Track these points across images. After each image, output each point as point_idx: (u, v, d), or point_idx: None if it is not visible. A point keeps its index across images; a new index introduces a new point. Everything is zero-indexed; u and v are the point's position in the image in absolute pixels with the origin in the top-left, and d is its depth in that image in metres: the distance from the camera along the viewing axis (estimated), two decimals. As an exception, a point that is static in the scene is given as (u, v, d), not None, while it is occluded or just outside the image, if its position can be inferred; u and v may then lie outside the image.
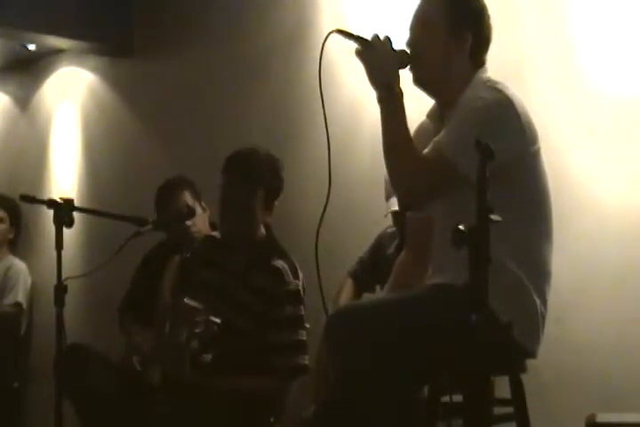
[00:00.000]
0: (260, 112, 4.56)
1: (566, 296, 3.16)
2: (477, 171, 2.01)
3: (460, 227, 1.97)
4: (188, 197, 3.75)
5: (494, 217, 1.98)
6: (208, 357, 3.00)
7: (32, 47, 5.68)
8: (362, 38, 2.55)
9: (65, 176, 5.84)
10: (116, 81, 5.55)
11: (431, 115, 2.67)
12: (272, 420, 3.20)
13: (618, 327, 3.18)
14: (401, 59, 2.54)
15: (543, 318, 2.50)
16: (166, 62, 5.20)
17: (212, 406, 3.00)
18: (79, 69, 5.79)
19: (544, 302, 2.50)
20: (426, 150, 2.44)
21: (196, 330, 2.96)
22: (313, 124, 4.29)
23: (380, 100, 2.50)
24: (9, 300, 5.57)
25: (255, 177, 3.17)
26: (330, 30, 2.55)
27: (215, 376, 3.05)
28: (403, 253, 2.81)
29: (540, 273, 2.51)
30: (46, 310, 4.32)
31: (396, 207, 3.38)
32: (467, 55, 2.57)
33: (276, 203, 3.27)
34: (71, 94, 5.84)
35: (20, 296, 5.60)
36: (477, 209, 1.98)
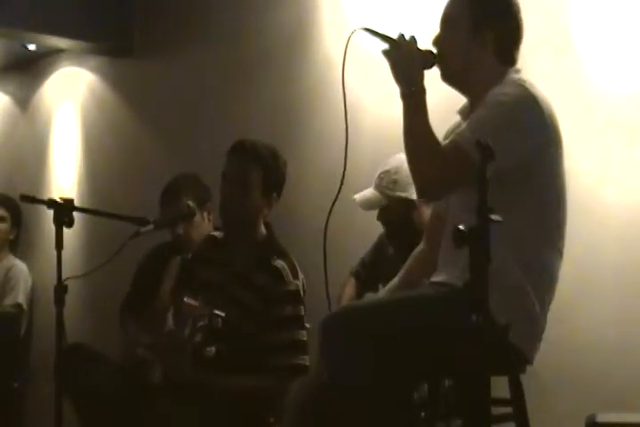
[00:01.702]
0: (260, 112, 4.56)
1: (566, 296, 3.15)
2: (477, 170, 2.00)
3: (460, 227, 1.97)
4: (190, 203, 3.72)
5: (494, 217, 1.98)
6: (212, 350, 3.00)
7: (32, 47, 5.68)
8: (388, 37, 2.59)
9: (65, 176, 5.84)
10: (115, 81, 5.54)
11: (462, 112, 2.68)
12: (272, 420, 3.20)
13: (618, 327, 3.18)
14: (426, 58, 2.58)
15: (543, 328, 2.51)
16: (166, 62, 5.20)
17: (212, 406, 3.00)
18: (79, 69, 5.79)
19: (544, 311, 2.50)
20: (445, 142, 2.46)
21: (200, 324, 2.97)
22: (313, 123, 4.29)
23: (403, 96, 2.53)
24: (9, 300, 5.57)
25: (255, 154, 3.21)
26: (358, 27, 2.59)
27: (215, 376, 3.05)
28: (421, 244, 2.84)
29: (544, 283, 2.50)
30: (46, 310, 4.32)
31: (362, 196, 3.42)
32: (491, 53, 2.58)
33: (276, 196, 3.25)
34: (71, 94, 5.84)
35: (21, 297, 5.60)
36: (477, 209, 1.98)
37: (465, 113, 2.66)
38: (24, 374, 5.68)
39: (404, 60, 2.54)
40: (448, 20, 2.62)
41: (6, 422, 5.53)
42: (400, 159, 3.48)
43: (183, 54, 5.07)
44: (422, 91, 2.52)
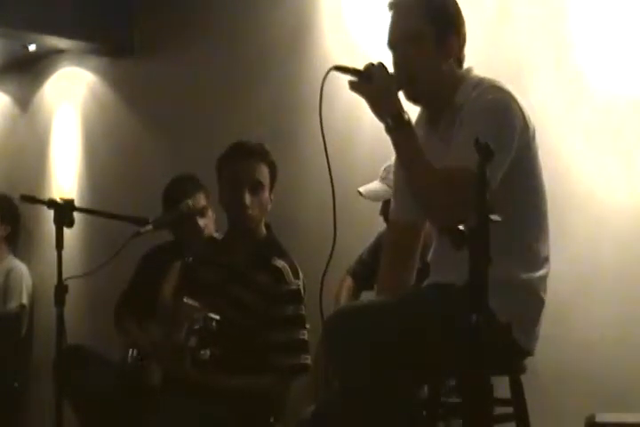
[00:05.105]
0: (260, 112, 4.56)
1: (566, 296, 3.16)
2: (477, 171, 2.00)
3: (460, 227, 1.97)
4: (202, 199, 3.74)
5: (494, 217, 1.98)
6: (206, 353, 3.00)
7: (32, 47, 5.67)
8: (356, 70, 2.46)
9: (65, 176, 5.84)
10: (115, 81, 5.55)
11: (419, 122, 2.58)
12: (272, 420, 3.20)
13: (618, 327, 3.18)
14: (398, 81, 2.46)
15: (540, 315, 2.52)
16: (166, 62, 5.20)
17: (212, 406, 3.00)
18: (79, 69, 5.80)
19: (543, 306, 2.51)
20: (449, 164, 2.32)
21: (195, 327, 2.97)
22: (313, 123, 4.28)
23: (391, 131, 2.41)
24: (15, 302, 5.57)
25: (262, 154, 3.22)
26: (330, 68, 2.48)
27: (216, 375, 3.05)
28: (382, 262, 2.71)
29: (543, 280, 2.51)
30: (47, 310, 4.32)
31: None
32: (453, 59, 2.51)
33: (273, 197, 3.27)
34: (71, 94, 5.84)
35: (25, 298, 5.60)
36: (477, 209, 1.97)
37: (423, 121, 2.56)
38: (24, 374, 5.68)
39: (380, 91, 2.41)
40: (410, 36, 2.47)
41: (6, 422, 5.54)
42: None
43: (183, 54, 5.07)
44: (409, 121, 2.41)
